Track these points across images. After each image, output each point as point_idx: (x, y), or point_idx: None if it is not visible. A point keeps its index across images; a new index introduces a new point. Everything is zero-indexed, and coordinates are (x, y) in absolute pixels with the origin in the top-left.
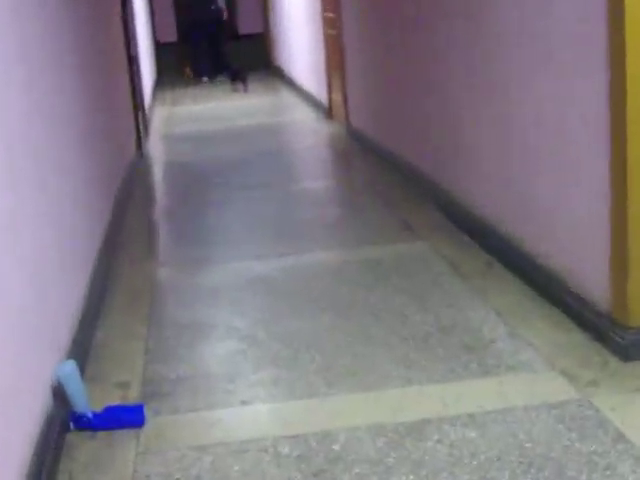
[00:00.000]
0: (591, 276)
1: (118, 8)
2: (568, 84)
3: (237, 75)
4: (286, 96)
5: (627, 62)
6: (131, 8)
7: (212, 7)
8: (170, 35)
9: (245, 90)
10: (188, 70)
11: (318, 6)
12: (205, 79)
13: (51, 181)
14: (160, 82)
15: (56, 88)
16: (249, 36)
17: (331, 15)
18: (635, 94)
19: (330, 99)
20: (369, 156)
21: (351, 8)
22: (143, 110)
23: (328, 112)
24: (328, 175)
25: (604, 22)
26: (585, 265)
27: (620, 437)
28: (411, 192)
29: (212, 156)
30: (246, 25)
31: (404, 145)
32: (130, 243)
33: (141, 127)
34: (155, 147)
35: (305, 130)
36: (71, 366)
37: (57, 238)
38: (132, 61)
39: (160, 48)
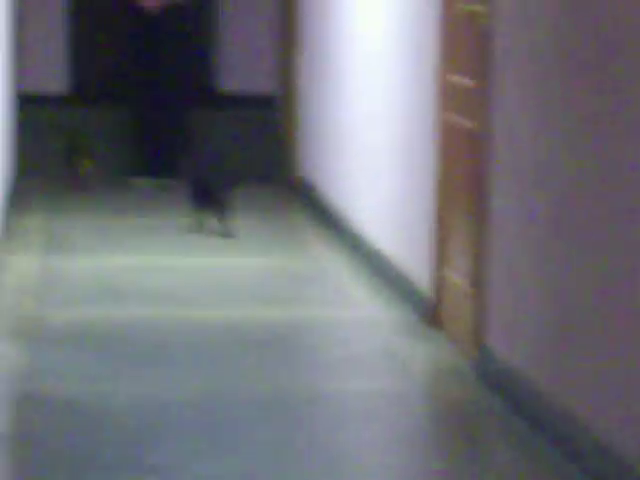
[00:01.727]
0: None
1: None
2: None
3: (210, 196)
4: (323, 257)
5: None
6: None
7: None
8: (49, 79)
9: (227, 232)
10: (86, 163)
11: (433, 56)
12: (140, 180)
13: None
14: (22, 192)
15: None
16: (241, 101)
17: (464, 81)
18: None
19: (439, 280)
20: (538, 440)
21: (521, 68)
22: None
23: (431, 312)
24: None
25: None
26: None
27: None
28: None
29: (136, 396)
30: (237, 75)
31: (619, 418)
32: None
33: None
34: (1, 354)
35: (364, 351)
36: None
37: None
38: None
39: (29, 109)
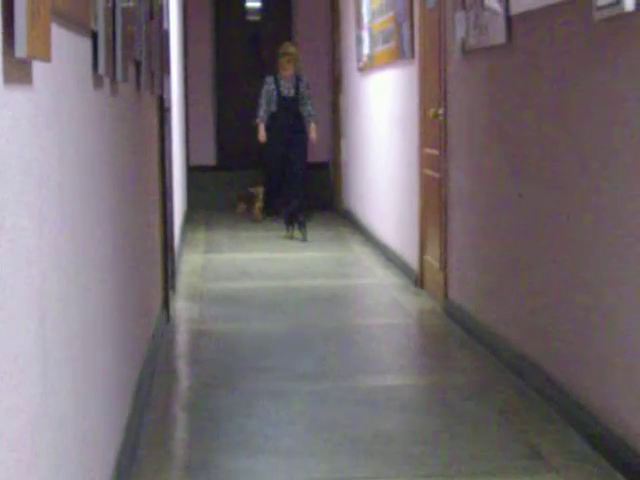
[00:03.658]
0: None
1: (155, 122)
2: None
3: (296, 216)
4: (358, 251)
5: None
6: (169, 126)
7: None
8: (205, 157)
9: (304, 238)
10: (243, 205)
11: (415, 138)
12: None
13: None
14: (190, 219)
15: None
16: (312, 165)
17: (432, 151)
18: None
19: (422, 262)
20: (476, 346)
21: (463, 144)
22: (172, 256)
23: (418, 280)
24: (415, 368)
25: None
26: None
27: None
28: (535, 401)
29: (261, 329)
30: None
31: (519, 332)
32: None
33: (169, 279)
34: (183, 309)
35: (382, 301)
36: None
37: None
38: (166, 192)
39: (191, 173)
